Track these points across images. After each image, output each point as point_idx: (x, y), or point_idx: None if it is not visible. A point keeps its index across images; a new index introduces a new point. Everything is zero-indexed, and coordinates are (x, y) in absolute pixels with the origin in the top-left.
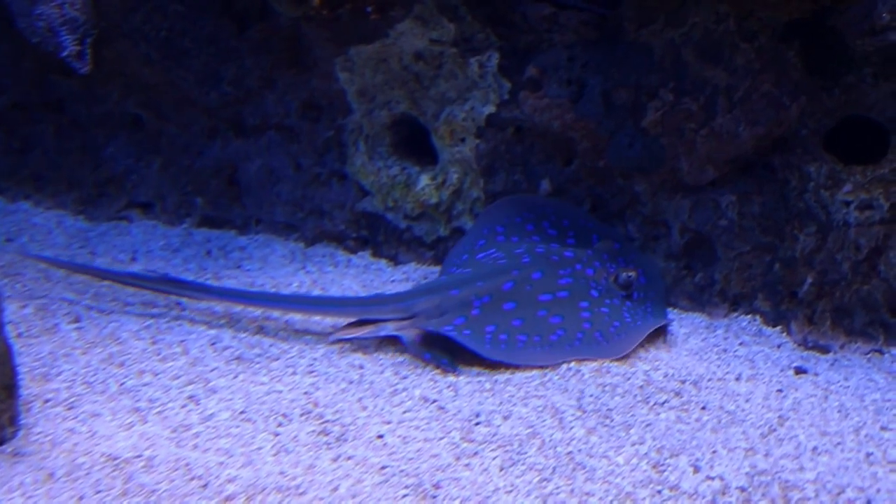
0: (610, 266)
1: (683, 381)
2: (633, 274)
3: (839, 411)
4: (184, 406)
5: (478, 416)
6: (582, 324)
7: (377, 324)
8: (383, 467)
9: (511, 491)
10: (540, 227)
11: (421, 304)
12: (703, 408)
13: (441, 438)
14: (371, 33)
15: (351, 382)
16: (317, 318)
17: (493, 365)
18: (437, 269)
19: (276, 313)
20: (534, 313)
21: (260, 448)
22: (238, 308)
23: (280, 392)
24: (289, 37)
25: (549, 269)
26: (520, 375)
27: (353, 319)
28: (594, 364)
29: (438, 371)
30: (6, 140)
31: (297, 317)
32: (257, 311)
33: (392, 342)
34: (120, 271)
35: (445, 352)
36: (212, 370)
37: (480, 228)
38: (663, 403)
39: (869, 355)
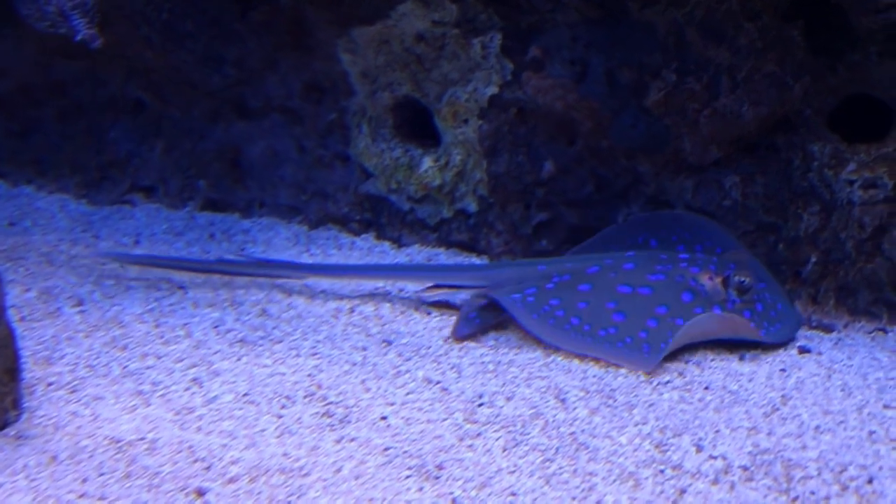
0: (727, 269)
1: (686, 362)
2: (746, 279)
3: (842, 390)
4: (187, 389)
5: (481, 397)
6: (638, 332)
7: (458, 289)
8: (386, 448)
9: (514, 471)
10: (692, 249)
11: (506, 274)
12: (707, 388)
13: (444, 420)
14: (373, 14)
15: (354, 364)
16: (412, 284)
17: (499, 345)
18: (441, 251)
19: (367, 283)
20: (602, 303)
21: (263, 430)
22: (327, 282)
23: (283, 374)
24: (291, 18)
25: (645, 265)
26: (523, 356)
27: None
28: None
29: (448, 342)
30: (7, 124)
31: (379, 283)
32: (347, 282)
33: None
34: (208, 259)
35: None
36: (215, 353)
37: (635, 236)
38: (666, 383)
39: (873, 334)
